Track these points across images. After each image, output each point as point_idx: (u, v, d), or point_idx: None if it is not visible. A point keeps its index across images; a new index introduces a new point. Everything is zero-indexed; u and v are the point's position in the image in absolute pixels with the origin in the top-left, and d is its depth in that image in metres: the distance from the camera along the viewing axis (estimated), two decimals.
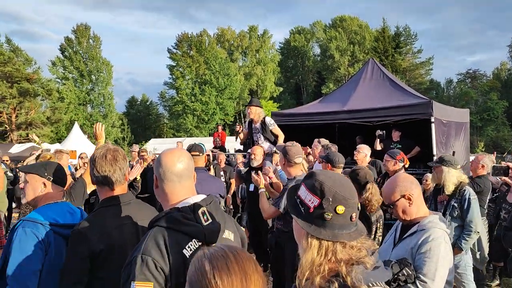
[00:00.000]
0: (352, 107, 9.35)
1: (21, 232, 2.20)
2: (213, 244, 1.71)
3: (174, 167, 1.75)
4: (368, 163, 6.27)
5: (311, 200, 1.37)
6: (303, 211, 1.39)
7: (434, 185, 4.66)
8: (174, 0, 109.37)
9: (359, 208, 1.42)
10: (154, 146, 26.60)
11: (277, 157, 5.51)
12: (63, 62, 48.55)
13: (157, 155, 8.98)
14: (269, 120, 6.24)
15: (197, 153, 4.19)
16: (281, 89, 57.21)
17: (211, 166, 7.52)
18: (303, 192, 1.42)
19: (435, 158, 7.89)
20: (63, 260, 2.18)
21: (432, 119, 7.98)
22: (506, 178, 4.76)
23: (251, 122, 6.30)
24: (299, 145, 4.08)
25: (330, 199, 1.34)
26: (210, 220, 1.70)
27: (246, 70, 56.08)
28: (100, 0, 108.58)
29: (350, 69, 54.30)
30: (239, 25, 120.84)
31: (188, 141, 24.77)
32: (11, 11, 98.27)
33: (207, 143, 17.02)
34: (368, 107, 9.06)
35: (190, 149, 4.26)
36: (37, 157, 4.47)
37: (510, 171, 2.59)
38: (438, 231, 2.24)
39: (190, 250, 1.62)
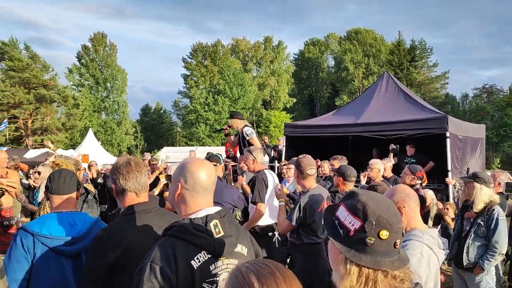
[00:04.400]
0: (366, 120, 9.30)
1: (13, 241, 2.33)
2: (223, 258, 1.69)
3: (203, 179, 1.75)
4: (388, 178, 6.12)
5: (351, 223, 1.27)
6: (342, 233, 1.29)
7: (464, 200, 4.54)
8: (189, 11, 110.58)
9: (404, 234, 1.33)
10: (167, 154, 26.73)
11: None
12: (80, 70, 49.27)
13: (168, 164, 8.99)
14: (246, 129, 6.27)
15: (215, 163, 4.29)
16: (295, 100, 57.19)
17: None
18: (342, 213, 1.31)
19: (449, 173, 7.80)
20: (50, 272, 2.28)
21: (447, 134, 7.88)
22: None
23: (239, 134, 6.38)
24: (310, 156, 4.05)
25: (374, 223, 1.24)
26: (222, 233, 1.68)
27: (260, 80, 56.22)
28: (117, 9, 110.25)
29: (364, 81, 54.12)
30: (253, 36, 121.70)
31: (200, 150, 24.85)
32: (30, 19, 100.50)
33: (220, 152, 17.05)
34: (382, 120, 8.99)
35: (208, 159, 4.38)
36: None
37: None
38: (417, 244, 2.16)
39: (199, 261, 1.62)
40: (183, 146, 45.12)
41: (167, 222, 2.17)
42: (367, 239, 1.23)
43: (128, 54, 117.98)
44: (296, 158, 4.12)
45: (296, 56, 64.39)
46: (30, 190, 9.02)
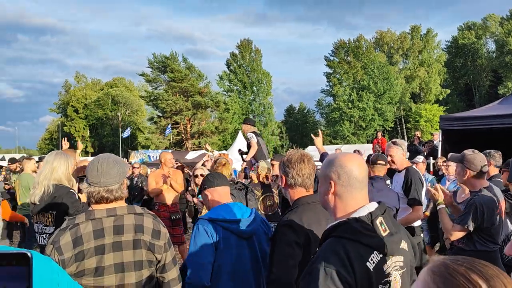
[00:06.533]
0: None
1: (195, 229, 2.58)
2: (391, 256, 1.57)
3: (358, 173, 1.65)
4: None
5: None
6: None
7: None
8: (329, 9, 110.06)
9: None
10: (312, 153, 26.85)
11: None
12: (229, 76, 52.97)
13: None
14: (249, 134, 6.82)
15: (383, 163, 4.24)
16: (448, 91, 52.40)
17: None
18: None
19: None
20: (232, 253, 2.54)
21: None
22: None
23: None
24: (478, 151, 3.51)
25: None
26: (388, 231, 1.58)
27: (407, 72, 53.00)
28: (260, 16, 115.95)
29: None
30: (398, 27, 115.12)
31: (345, 148, 24.37)
32: (186, 34, 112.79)
33: (366, 150, 16.46)
34: None
35: (377, 158, 4.30)
36: (215, 162, 5.02)
37: None
38: None
39: (373, 262, 1.50)
40: (327, 144, 44.98)
41: (327, 214, 2.19)
42: None
43: (272, 58, 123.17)
44: (456, 154, 3.59)
45: (449, 44, 58.90)
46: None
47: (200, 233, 2.51)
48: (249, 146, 6.86)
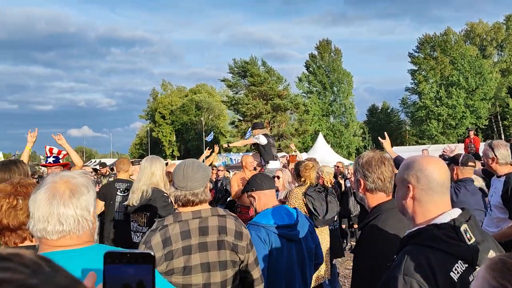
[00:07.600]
0: None
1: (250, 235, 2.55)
2: (478, 267, 1.45)
3: (438, 176, 1.54)
4: None
5: None
6: None
7: None
8: (411, 3, 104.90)
9: None
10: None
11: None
12: (308, 77, 52.68)
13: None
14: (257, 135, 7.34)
15: (473, 165, 4.09)
16: None
17: None
18: None
19: None
20: (284, 257, 2.57)
21: None
22: None
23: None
24: None
25: None
26: (474, 239, 1.46)
27: (503, 66, 48.73)
28: (338, 15, 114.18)
29: None
30: (491, 18, 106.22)
31: (433, 148, 23.02)
32: (265, 38, 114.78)
33: (458, 147, 15.42)
34: None
35: (467, 159, 4.10)
36: (298, 164, 5.03)
37: None
38: None
39: (457, 272, 1.40)
40: (413, 145, 42.92)
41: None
42: None
43: (352, 57, 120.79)
44: None
45: None
46: None
47: (254, 239, 2.50)
48: (257, 145, 7.38)
